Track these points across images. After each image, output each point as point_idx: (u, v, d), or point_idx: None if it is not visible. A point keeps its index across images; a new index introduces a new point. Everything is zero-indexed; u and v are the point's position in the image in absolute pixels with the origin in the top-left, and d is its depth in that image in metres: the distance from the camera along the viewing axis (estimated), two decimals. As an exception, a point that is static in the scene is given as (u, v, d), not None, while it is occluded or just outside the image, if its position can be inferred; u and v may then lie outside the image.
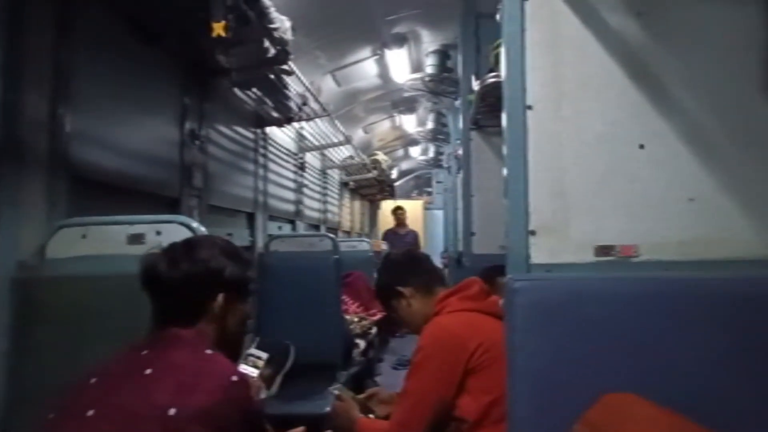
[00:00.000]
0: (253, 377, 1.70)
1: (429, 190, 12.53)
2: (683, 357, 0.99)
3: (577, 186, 1.10)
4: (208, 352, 0.99)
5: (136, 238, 1.32)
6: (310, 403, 2.38)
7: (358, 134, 7.40)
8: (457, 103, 3.99)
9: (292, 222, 4.49)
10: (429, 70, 4.76)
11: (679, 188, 1.08)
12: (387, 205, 9.73)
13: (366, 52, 4.79)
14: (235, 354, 1.20)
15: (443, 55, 4.79)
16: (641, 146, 1.10)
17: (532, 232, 1.09)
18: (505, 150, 1.12)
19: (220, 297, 1.07)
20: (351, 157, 6.88)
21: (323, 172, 5.87)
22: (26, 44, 1.46)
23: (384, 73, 5.26)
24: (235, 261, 1.11)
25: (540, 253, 1.09)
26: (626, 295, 1.03)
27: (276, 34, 1.99)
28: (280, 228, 4.08)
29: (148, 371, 0.94)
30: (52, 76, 1.55)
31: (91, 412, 0.89)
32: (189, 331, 1.02)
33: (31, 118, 1.47)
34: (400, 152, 10.35)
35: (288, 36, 2.11)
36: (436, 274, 1.75)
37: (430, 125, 7.30)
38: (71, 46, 1.63)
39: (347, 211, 7.69)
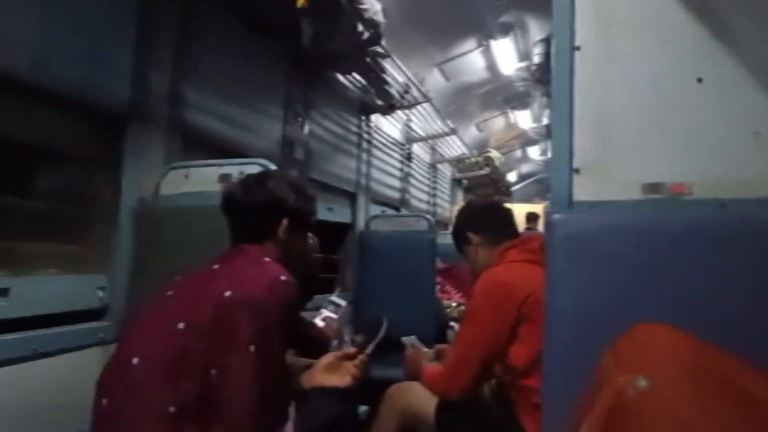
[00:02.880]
0: (332, 321, 1.87)
1: (552, 194, 11.97)
2: (734, 297, 0.94)
3: (626, 123, 1.07)
4: (266, 259, 1.15)
5: (225, 177, 1.56)
6: (392, 369, 2.50)
7: (472, 132, 7.39)
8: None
9: (396, 209, 4.66)
10: (536, 59, 4.63)
11: (741, 122, 1.02)
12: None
13: (471, 43, 4.81)
14: (302, 278, 1.33)
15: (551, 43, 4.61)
16: (699, 80, 1.05)
17: (576, 170, 1.08)
18: (551, 91, 1.14)
19: (285, 221, 1.23)
20: (464, 154, 6.91)
21: (433, 166, 5.98)
22: (153, 32, 1.82)
23: (491, 65, 5.23)
24: (300, 194, 1.27)
25: (584, 190, 1.08)
26: (676, 231, 0.99)
27: (366, 15, 2.15)
28: (383, 212, 4.26)
29: (216, 266, 1.13)
30: (173, 58, 1.90)
31: (170, 293, 1.11)
32: (255, 246, 1.20)
33: (155, 89, 1.82)
34: (519, 153, 10.10)
35: (379, 18, 2.26)
36: (510, 228, 1.75)
37: (545, 121, 7.04)
38: (190, 35, 1.98)
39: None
